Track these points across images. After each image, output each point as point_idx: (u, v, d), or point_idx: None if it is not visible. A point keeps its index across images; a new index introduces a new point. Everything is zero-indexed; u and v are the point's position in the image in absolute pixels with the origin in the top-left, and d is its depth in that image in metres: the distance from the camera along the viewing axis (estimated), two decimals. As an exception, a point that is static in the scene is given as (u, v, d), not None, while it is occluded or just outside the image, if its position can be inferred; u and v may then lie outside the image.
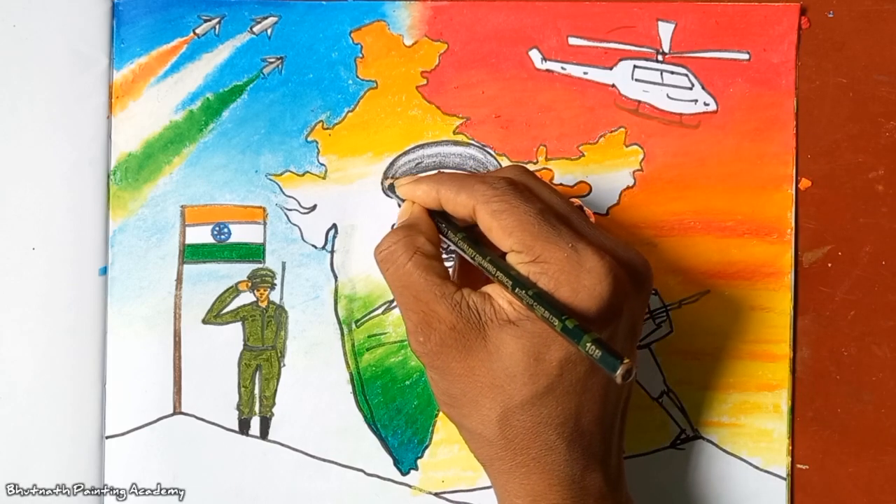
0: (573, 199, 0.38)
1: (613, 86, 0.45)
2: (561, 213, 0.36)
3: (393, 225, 0.44)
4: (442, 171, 0.38)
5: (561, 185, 0.45)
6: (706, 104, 0.45)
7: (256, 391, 0.45)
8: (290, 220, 0.45)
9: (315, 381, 0.45)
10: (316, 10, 0.45)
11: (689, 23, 0.45)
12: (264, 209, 0.45)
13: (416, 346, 0.36)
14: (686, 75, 0.45)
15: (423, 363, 0.36)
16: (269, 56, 0.45)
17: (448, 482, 0.45)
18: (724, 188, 0.45)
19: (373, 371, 0.45)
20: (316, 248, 0.45)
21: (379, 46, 0.45)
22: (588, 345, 0.31)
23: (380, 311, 0.45)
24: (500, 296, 0.35)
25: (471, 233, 0.37)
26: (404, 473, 0.45)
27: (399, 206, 0.41)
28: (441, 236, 0.38)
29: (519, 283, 0.34)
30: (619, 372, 0.30)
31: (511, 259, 0.34)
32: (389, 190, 0.43)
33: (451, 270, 0.39)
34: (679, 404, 0.45)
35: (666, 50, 0.45)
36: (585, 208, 0.42)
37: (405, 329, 0.36)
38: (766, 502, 0.44)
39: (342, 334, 0.45)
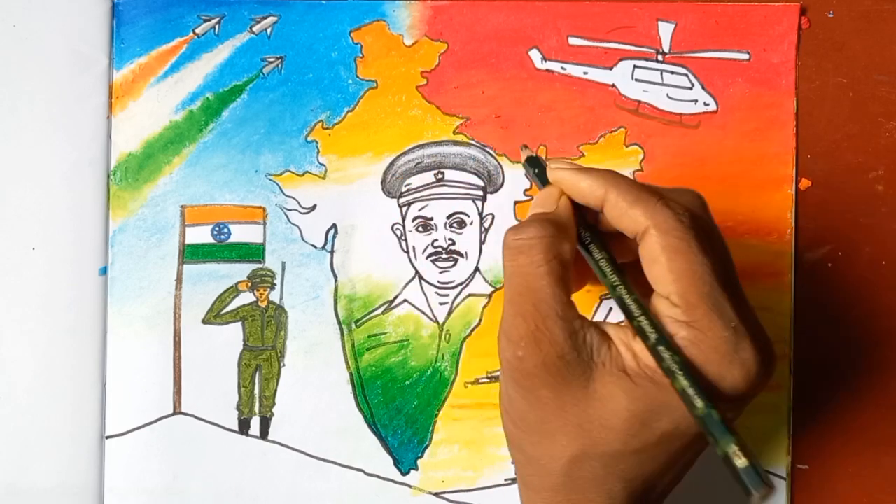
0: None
1: (613, 86, 0.45)
2: (729, 273, 0.32)
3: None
4: (610, 170, 0.33)
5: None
6: (706, 104, 0.45)
7: (256, 391, 0.45)
8: (289, 220, 0.45)
9: (315, 381, 0.45)
10: (316, 10, 0.45)
11: (689, 23, 0.45)
12: (264, 209, 0.45)
13: (508, 357, 0.31)
14: (686, 75, 0.45)
15: (507, 374, 0.32)
16: (269, 56, 0.45)
17: (448, 482, 0.45)
18: (724, 188, 0.45)
19: (373, 371, 0.45)
20: (316, 248, 0.45)
21: (379, 46, 0.45)
22: (733, 449, 0.28)
23: (380, 311, 0.45)
24: (621, 341, 0.31)
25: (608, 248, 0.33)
26: (404, 473, 0.45)
27: (536, 186, 0.36)
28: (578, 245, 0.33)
29: (666, 344, 0.30)
30: (759, 493, 0.27)
31: (661, 308, 0.31)
32: (528, 164, 0.36)
33: None
34: (679, 404, 0.45)
35: (666, 50, 0.45)
36: None
37: (500, 328, 0.32)
38: (767, 502, 0.44)
39: (342, 334, 0.45)
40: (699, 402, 0.29)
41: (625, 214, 0.31)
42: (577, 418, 0.31)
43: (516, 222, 0.45)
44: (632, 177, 0.45)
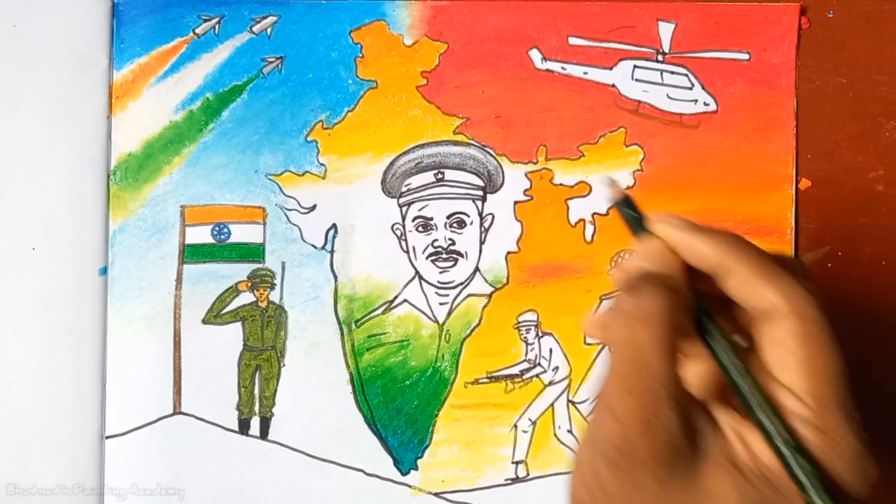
0: None
1: (613, 86, 0.45)
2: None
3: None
4: (729, 231, 0.29)
5: (561, 184, 0.45)
6: (706, 104, 0.45)
7: (256, 391, 0.45)
8: (289, 220, 0.45)
9: (315, 381, 0.45)
10: (316, 10, 0.45)
11: (689, 23, 0.45)
12: (264, 209, 0.45)
13: (616, 439, 0.27)
14: (686, 75, 0.45)
15: (602, 452, 0.28)
16: (269, 56, 0.45)
17: (448, 482, 0.44)
18: (724, 188, 0.45)
19: (373, 371, 0.45)
20: (316, 248, 0.45)
21: (379, 46, 0.45)
22: None
23: (380, 311, 0.45)
24: (732, 429, 0.28)
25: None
26: (404, 473, 0.45)
27: (630, 226, 0.31)
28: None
29: (800, 452, 0.27)
30: None
31: (789, 404, 0.27)
32: (621, 205, 0.31)
33: None
34: (679, 404, 0.45)
35: (666, 50, 0.45)
36: None
37: (603, 401, 0.28)
38: None
39: (342, 334, 0.45)
40: None
41: (751, 290, 0.28)
42: None
43: (516, 223, 0.45)
44: (632, 177, 0.45)
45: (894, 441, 0.44)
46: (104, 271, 0.45)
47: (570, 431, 0.45)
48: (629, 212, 0.31)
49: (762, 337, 0.28)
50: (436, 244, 0.45)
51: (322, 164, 0.45)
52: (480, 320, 0.45)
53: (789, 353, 0.27)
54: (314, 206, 0.45)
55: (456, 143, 0.45)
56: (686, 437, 0.27)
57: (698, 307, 0.29)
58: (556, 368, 0.45)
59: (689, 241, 0.29)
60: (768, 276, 0.27)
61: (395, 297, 0.45)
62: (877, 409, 0.45)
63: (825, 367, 0.27)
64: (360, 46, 0.45)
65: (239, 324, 0.45)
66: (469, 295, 0.45)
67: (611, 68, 0.45)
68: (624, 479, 0.27)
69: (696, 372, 0.29)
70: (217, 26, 0.45)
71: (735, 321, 0.29)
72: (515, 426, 0.45)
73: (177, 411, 0.44)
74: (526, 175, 0.45)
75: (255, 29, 0.45)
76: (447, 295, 0.45)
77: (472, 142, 0.45)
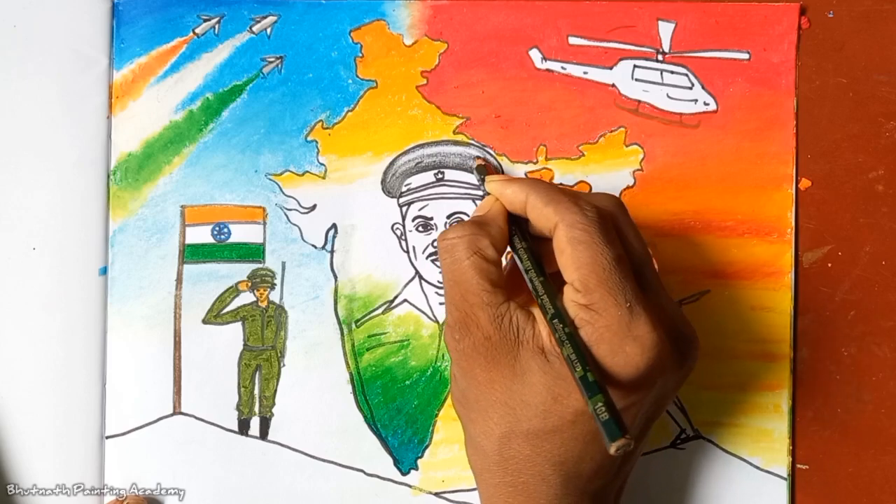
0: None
1: (613, 85, 0.45)
2: (636, 262, 0.35)
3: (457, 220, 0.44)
4: (536, 178, 0.38)
5: (561, 184, 0.45)
6: (706, 104, 0.45)
7: (256, 391, 0.45)
8: (289, 220, 0.45)
9: (315, 381, 0.45)
10: (315, 10, 0.45)
11: (689, 22, 0.45)
12: (264, 209, 0.45)
13: (448, 341, 0.36)
14: (686, 75, 0.45)
15: (451, 357, 0.36)
16: (269, 55, 0.45)
17: (448, 482, 0.44)
18: (724, 188, 0.45)
19: (373, 371, 0.45)
20: (316, 247, 0.45)
21: (379, 46, 0.45)
22: (598, 405, 0.30)
23: (380, 311, 0.45)
24: (542, 322, 0.34)
25: (539, 246, 0.36)
26: (404, 473, 0.45)
27: (479, 181, 0.41)
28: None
29: (559, 316, 0.33)
30: (615, 444, 0.29)
31: (567, 293, 0.34)
32: (477, 171, 0.43)
33: (503, 265, 0.38)
34: (679, 404, 0.45)
35: (666, 49, 0.45)
36: (654, 258, 0.40)
37: (444, 320, 0.37)
38: (766, 502, 0.44)
39: (342, 334, 0.45)
40: (578, 366, 0.31)
41: (540, 214, 0.35)
42: (504, 395, 0.34)
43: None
44: (632, 177, 0.45)
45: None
46: (104, 271, 0.45)
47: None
48: (480, 177, 0.42)
49: (555, 252, 0.35)
50: (436, 244, 0.45)
51: (322, 164, 0.45)
52: (480, 320, 0.45)
53: (565, 255, 0.34)
54: (314, 206, 0.45)
55: (456, 143, 0.45)
56: (500, 333, 0.34)
57: (510, 229, 0.37)
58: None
59: (500, 189, 0.37)
60: (549, 200, 0.35)
61: (396, 297, 0.45)
62: (877, 408, 0.45)
63: (590, 259, 0.33)
64: (360, 46, 0.45)
65: (239, 324, 0.45)
66: (469, 295, 0.45)
67: (611, 68, 0.45)
68: (463, 374, 0.35)
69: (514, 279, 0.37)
70: (217, 26, 0.45)
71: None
72: None
73: (177, 411, 0.44)
74: (526, 175, 0.45)
75: (255, 29, 0.45)
76: (447, 295, 0.45)
77: (472, 142, 0.45)
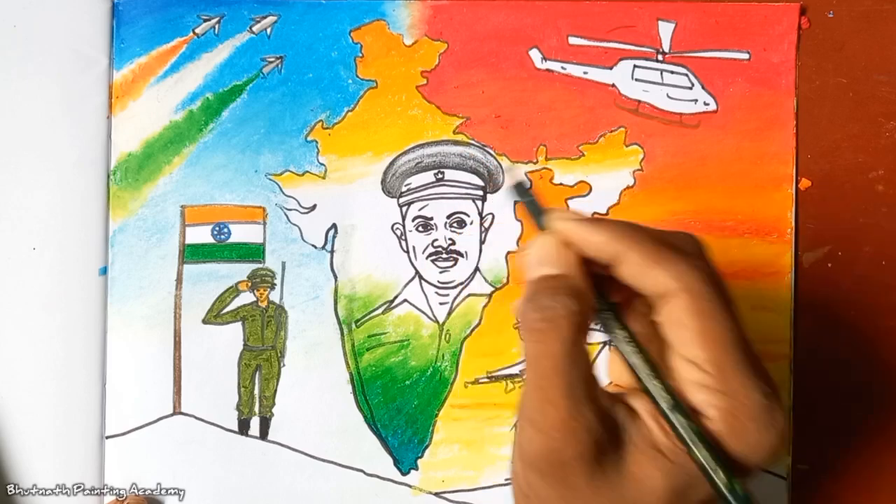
0: None
1: (613, 85, 0.45)
2: (745, 331, 0.29)
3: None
4: (623, 221, 0.30)
5: (561, 184, 0.45)
6: (706, 104, 0.45)
7: (256, 391, 0.45)
8: (289, 220, 0.45)
9: (315, 381, 0.45)
10: (315, 10, 0.45)
11: (689, 22, 0.45)
12: (264, 209, 0.45)
13: (540, 448, 0.28)
14: (686, 75, 0.45)
15: (530, 462, 0.28)
16: (269, 55, 0.45)
17: (448, 482, 0.44)
18: (724, 188, 0.45)
19: (373, 371, 0.45)
20: (316, 247, 0.45)
21: (379, 46, 0.45)
22: None
23: (380, 311, 0.45)
24: (649, 414, 0.29)
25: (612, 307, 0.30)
26: (404, 473, 0.45)
27: (529, 207, 0.32)
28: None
29: (683, 412, 0.28)
30: None
31: (688, 375, 0.28)
32: (519, 194, 0.33)
33: None
34: (679, 404, 0.45)
35: (666, 49, 0.45)
36: None
37: (523, 414, 0.29)
38: (766, 502, 0.44)
39: (342, 334, 0.45)
40: (719, 474, 0.27)
41: (645, 276, 0.28)
42: (612, 502, 0.28)
43: (516, 222, 0.45)
44: (632, 176, 0.45)
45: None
46: (104, 271, 0.45)
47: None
48: (535, 206, 0.32)
49: (662, 319, 0.29)
50: (436, 244, 0.45)
51: (322, 164, 0.45)
52: (481, 320, 0.45)
53: (685, 329, 0.28)
54: (314, 206, 0.45)
55: (456, 143, 0.45)
56: (608, 433, 0.28)
57: (598, 302, 0.29)
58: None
59: (584, 234, 0.29)
60: (658, 259, 0.28)
61: (395, 297, 0.45)
62: (877, 408, 0.45)
63: (719, 335, 0.28)
64: (360, 46, 0.45)
65: (239, 324, 0.45)
66: (469, 295, 0.45)
67: (611, 68, 0.45)
68: (555, 485, 0.28)
69: (610, 366, 0.31)
70: (217, 26, 0.45)
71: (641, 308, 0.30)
72: (515, 426, 0.45)
73: (177, 411, 0.44)
74: (526, 175, 0.45)
75: (254, 29, 0.45)
76: (447, 295, 0.45)
77: (472, 141, 0.45)
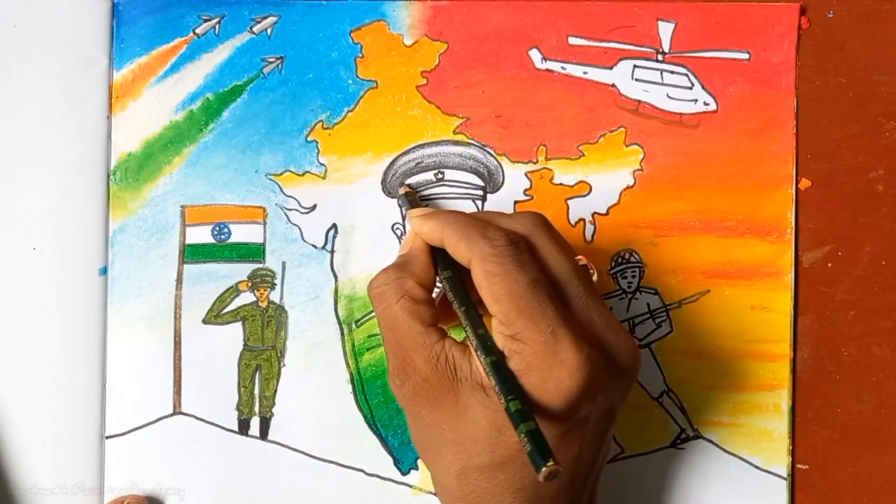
0: (578, 258, 0.37)
1: (613, 85, 0.45)
2: (559, 280, 0.35)
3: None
4: (453, 210, 0.37)
5: (561, 184, 0.45)
6: (706, 104, 0.45)
7: (256, 391, 0.45)
8: (290, 220, 0.45)
9: (315, 381, 0.45)
10: (316, 10, 0.45)
11: (689, 22, 0.45)
12: (264, 209, 0.45)
13: (392, 388, 0.36)
14: (686, 75, 0.45)
15: (399, 403, 0.36)
16: (269, 56, 0.45)
17: (448, 482, 0.44)
18: (724, 188, 0.45)
19: (373, 371, 0.45)
20: (316, 247, 0.45)
21: (379, 46, 0.45)
22: (522, 435, 0.30)
23: (380, 310, 0.45)
24: (475, 356, 0.34)
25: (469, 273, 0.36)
26: (404, 473, 0.45)
27: (402, 212, 0.42)
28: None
29: (482, 347, 0.33)
30: (542, 471, 0.29)
31: (494, 326, 0.34)
32: (400, 201, 0.44)
33: (435, 293, 0.38)
34: (679, 404, 0.45)
35: (666, 49, 0.45)
36: (590, 268, 0.40)
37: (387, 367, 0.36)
38: (766, 502, 0.44)
39: (342, 334, 0.45)
40: (502, 397, 0.32)
41: (456, 251, 0.35)
42: (452, 434, 0.34)
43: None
44: (632, 176, 0.45)
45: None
46: (104, 271, 0.45)
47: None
48: (403, 205, 0.43)
49: (476, 286, 0.34)
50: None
51: (322, 164, 0.45)
52: (480, 320, 0.45)
53: (483, 290, 0.34)
54: (314, 206, 0.45)
55: (456, 143, 0.45)
56: (438, 373, 0.34)
57: (439, 272, 0.37)
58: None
59: (419, 224, 0.37)
60: (462, 236, 0.35)
61: (396, 297, 0.45)
62: (877, 408, 0.45)
63: (504, 291, 0.33)
64: (360, 46, 0.45)
65: (239, 324, 0.45)
66: (469, 295, 0.45)
67: (611, 68, 0.45)
68: (412, 419, 0.36)
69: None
70: (217, 26, 0.45)
71: None
72: None
73: (177, 411, 0.44)
74: (526, 175, 0.45)
75: (255, 29, 0.45)
76: (447, 295, 0.45)
77: (472, 141, 0.45)
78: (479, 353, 0.33)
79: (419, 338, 0.35)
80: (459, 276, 0.36)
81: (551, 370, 0.32)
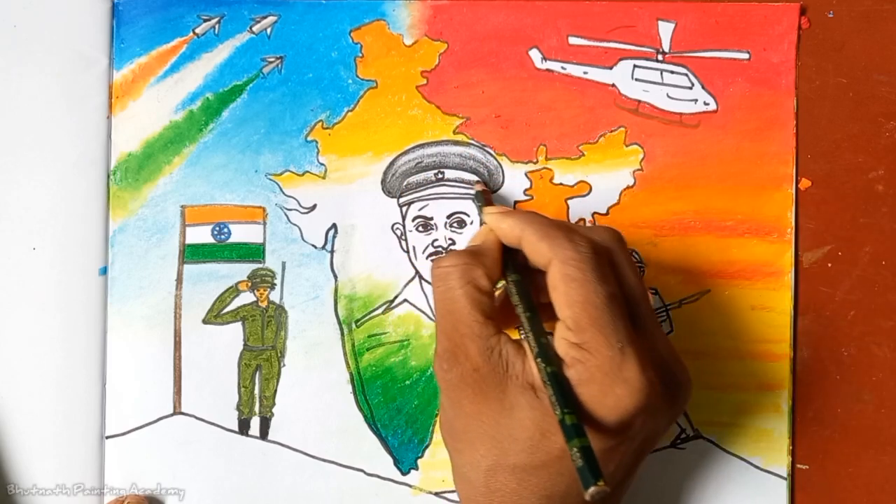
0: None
1: (613, 85, 0.45)
2: (632, 299, 0.35)
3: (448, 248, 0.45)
4: (533, 211, 0.37)
5: (561, 184, 0.45)
6: (706, 104, 0.45)
7: (256, 391, 0.45)
8: (289, 220, 0.45)
9: (315, 381, 0.45)
10: (315, 10, 0.45)
11: (689, 22, 0.45)
12: (264, 209, 0.45)
13: (437, 370, 0.35)
14: (686, 75, 0.45)
15: (440, 386, 0.36)
16: (269, 55, 0.45)
17: (448, 482, 0.44)
18: (724, 188, 0.45)
19: (373, 371, 0.45)
20: (316, 247, 0.45)
21: (379, 46, 0.45)
22: (575, 450, 0.30)
23: (380, 310, 0.45)
24: (531, 358, 0.34)
25: (538, 278, 0.36)
26: (404, 473, 0.45)
27: (478, 208, 0.42)
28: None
29: (543, 355, 0.33)
30: (589, 490, 0.29)
31: (559, 331, 0.34)
32: (476, 198, 0.43)
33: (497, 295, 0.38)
34: (679, 404, 0.45)
35: (666, 49, 0.45)
36: (652, 293, 0.41)
37: (434, 348, 0.36)
38: (766, 502, 0.44)
39: (342, 334, 0.45)
40: (558, 408, 0.32)
41: (535, 250, 0.35)
42: (492, 429, 0.34)
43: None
44: (632, 176, 0.45)
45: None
46: (104, 271, 0.45)
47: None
48: (478, 202, 0.42)
49: (548, 285, 0.34)
50: (436, 244, 0.45)
51: (322, 164, 0.45)
52: (480, 320, 0.45)
53: (556, 291, 0.34)
54: (314, 206, 0.45)
55: (456, 143, 0.45)
56: (490, 365, 0.34)
57: (506, 273, 0.37)
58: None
59: (497, 221, 0.37)
60: (543, 236, 0.35)
61: (396, 297, 0.45)
62: (877, 408, 0.45)
63: (580, 297, 0.33)
64: (360, 46, 0.45)
65: (239, 324, 0.45)
66: (469, 295, 0.45)
67: (611, 68, 0.45)
68: (451, 405, 0.35)
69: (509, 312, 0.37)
70: (217, 26, 0.45)
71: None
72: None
73: (177, 411, 0.44)
74: (526, 175, 0.45)
75: (255, 29, 0.45)
76: (447, 295, 0.45)
77: (472, 141, 0.45)
78: (538, 360, 0.33)
79: (477, 327, 0.34)
80: (525, 282, 0.36)
81: (613, 386, 0.32)
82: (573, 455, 0.30)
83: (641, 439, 0.35)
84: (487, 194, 0.43)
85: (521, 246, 0.36)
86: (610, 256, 0.35)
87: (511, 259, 0.37)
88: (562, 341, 0.33)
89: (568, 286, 0.33)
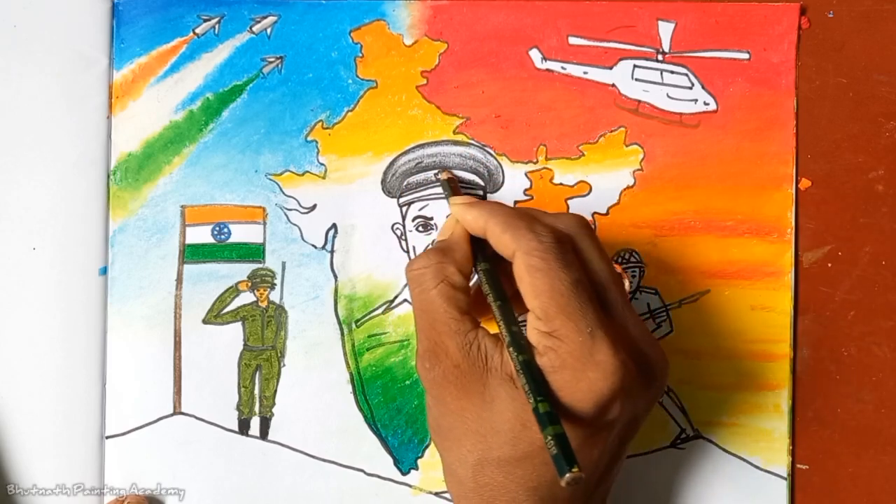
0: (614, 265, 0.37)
1: (613, 85, 0.45)
2: (599, 284, 0.35)
3: (430, 244, 0.45)
4: (496, 202, 0.37)
5: (561, 184, 0.45)
6: (706, 104, 0.45)
7: (256, 391, 0.45)
8: (289, 220, 0.45)
9: (315, 381, 0.45)
10: (316, 10, 0.45)
11: (689, 22, 0.45)
12: (264, 209, 0.45)
13: (420, 370, 0.36)
14: (686, 75, 0.45)
15: (424, 386, 0.36)
16: (269, 55, 0.45)
17: (448, 482, 0.44)
18: (724, 188, 0.45)
19: (373, 371, 0.45)
20: (316, 247, 0.45)
21: (379, 46, 0.45)
22: (548, 437, 0.30)
23: (380, 310, 0.45)
24: (507, 349, 0.34)
25: (509, 267, 0.36)
26: (404, 473, 0.45)
27: (445, 197, 0.42)
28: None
29: (514, 344, 0.33)
30: (565, 476, 0.29)
31: (530, 321, 0.34)
32: (442, 187, 0.43)
33: (471, 284, 0.38)
34: (679, 404, 0.45)
35: (666, 49, 0.45)
36: (624, 276, 0.40)
37: (416, 349, 0.36)
38: (766, 502, 0.44)
39: (342, 334, 0.45)
40: (531, 397, 0.32)
41: (499, 242, 0.35)
42: (475, 423, 0.34)
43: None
44: (632, 176, 0.45)
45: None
46: (104, 271, 0.45)
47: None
48: (444, 191, 0.42)
49: (515, 276, 0.34)
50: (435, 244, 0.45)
51: (322, 164, 0.45)
52: (480, 320, 0.45)
53: (522, 282, 0.34)
54: (314, 206, 0.45)
55: (456, 143, 0.45)
56: (469, 360, 0.34)
57: (476, 262, 0.37)
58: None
59: (461, 214, 0.37)
60: (507, 227, 0.35)
61: (396, 297, 0.45)
62: (877, 408, 0.45)
63: (546, 286, 0.33)
64: (360, 46, 0.45)
65: (239, 324, 0.45)
66: (469, 295, 0.45)
67: (611, 68, 0.45)
68: (436, 403, 0.35)
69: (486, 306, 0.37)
70: (217, 26, 0.45)
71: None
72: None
73: (177, 411, 0.44)
74: (526, 175, 0.45)
75: (255, 29, 0.45)
76: (447, 295, 0.45)
77: (472, 141, 0.45)
78: (510, 349, 0.33)
79: (454, 324, 0.35)
80: (495, 270, 0.36)
81: (586, 371, 0.32)
82: (547, 443, 0.30)
83: (624, 422, 0.35)
84: (454, 182, 0.43)
85: (486, 237, 0.36)
86: (573, 243, 0.35)
87: (481, 248, 0.37)
88: (533, 331, 0.34)
89: (533, 276, 0.33)
